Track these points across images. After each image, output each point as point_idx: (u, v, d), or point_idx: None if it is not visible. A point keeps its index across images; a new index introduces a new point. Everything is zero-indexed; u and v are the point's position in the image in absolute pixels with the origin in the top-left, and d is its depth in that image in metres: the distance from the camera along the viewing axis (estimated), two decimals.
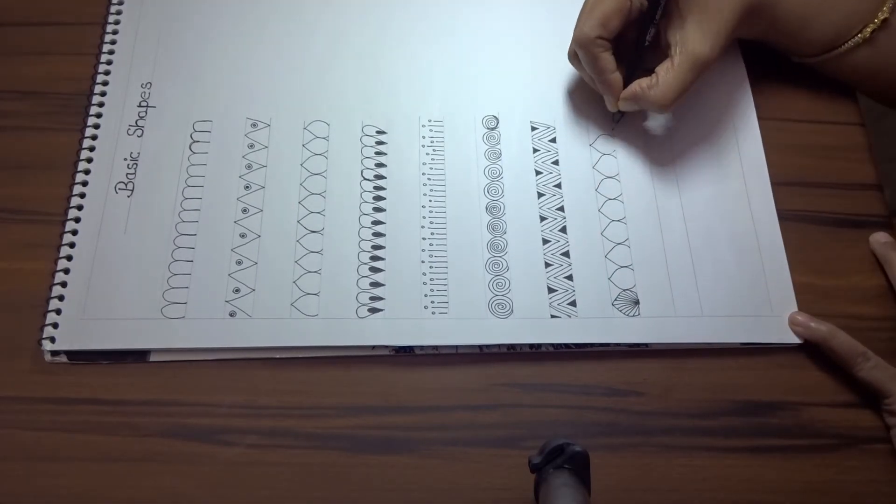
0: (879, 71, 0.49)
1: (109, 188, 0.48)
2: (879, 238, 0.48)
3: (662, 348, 0.45)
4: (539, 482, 0.36)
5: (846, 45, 0.47)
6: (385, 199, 0.48)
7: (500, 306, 0.45)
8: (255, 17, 0.54)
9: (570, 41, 0.47)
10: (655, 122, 0.51)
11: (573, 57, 0.48)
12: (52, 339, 0.43)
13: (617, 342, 0.45)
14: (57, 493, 0.41)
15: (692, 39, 0.45)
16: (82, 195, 0.47)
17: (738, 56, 0.53)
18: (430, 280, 0.46)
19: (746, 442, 0.43)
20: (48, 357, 0.44)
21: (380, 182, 0.49)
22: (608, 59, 0.46)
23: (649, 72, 0.46)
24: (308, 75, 0.52)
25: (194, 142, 0.50)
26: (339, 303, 0.45)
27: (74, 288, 0.45)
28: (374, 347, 0.44)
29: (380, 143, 0.50)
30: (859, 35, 0.47)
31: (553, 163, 0.50)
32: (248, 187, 0.48)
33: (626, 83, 0.47)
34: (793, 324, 0.46)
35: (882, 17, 0.46)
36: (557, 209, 0.49)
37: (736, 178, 0.50)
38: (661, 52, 0.47)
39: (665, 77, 0.45)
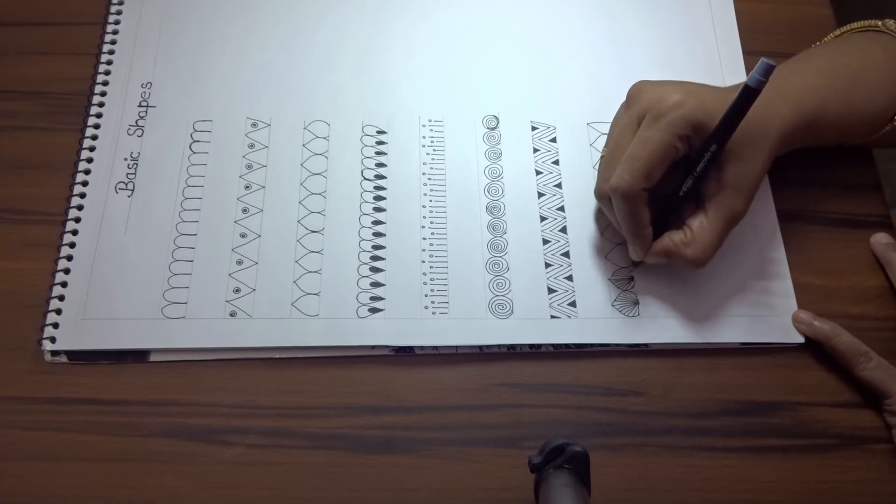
0: None
1: (110, 188, 0.48)
2: (880, 239, 0.48)
3: (662, 348, 0.45)
4: (539, 482, 0.36)
5: (883, 130, 0.45)
6: (385, 198, 0.48)
7: (500, 306, 0.45)
8: (255, 18, 0.54)
9: (599, 177, 0.44)
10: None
11: (604, 199, 0.44)
12: (53, 339, 0.43)
13: (617, 342, 0.45)
14: (57, 493, 0.41)
15: (728, 196, 0.42)
16: (82, 195, 0.47)
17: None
18: (431, 280, 0.46)
19: (746, 442, 0.43)
20: (48, 357, 0.44)
21: (380, 182, 0.49)
22: (646, 213, 0.42)
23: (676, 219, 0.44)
24: (308, 75, 0.52)
25: (194, 142, 0.50)
26: (339, 303, 0.45)
27: (74, 288, 0.45)
28: (374, 347, 0.44)
29: (380, 142, 0.50)
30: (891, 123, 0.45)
31: (553, 163, 0.50)
32: (248, 187, 0.48)
33: (654, 234, 0.44)
34: (797, 321, 0.46)
35: None
36: (558, 209, 0.49)
37: None
38: (687, 203, 0.44)
39: (700, 234, 0.42)
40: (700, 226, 0.42)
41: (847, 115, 0.45)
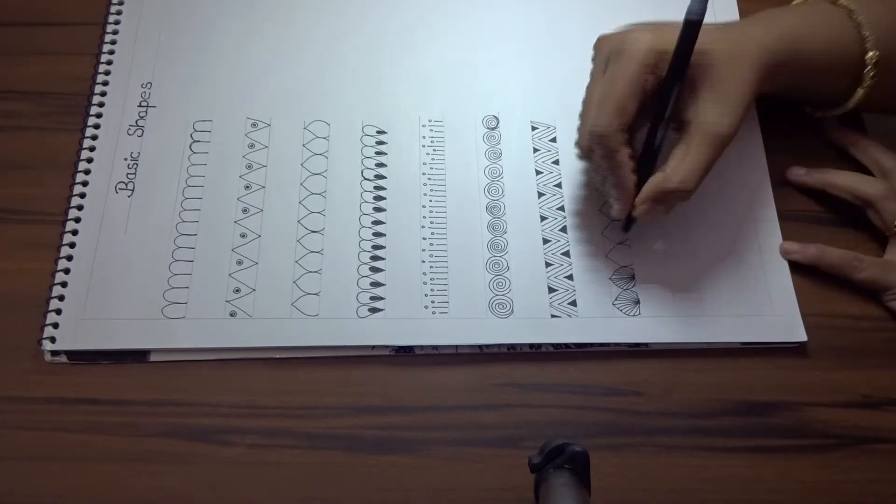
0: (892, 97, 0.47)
1: (110, 188, 0.48)
2: (833, 122, 0.50)
3: (662, 348, 0.45)
4: (539, 482, 0.36)
5: (863, 84, 0.45)
6: (385, 198, 0.48)
7: (500, 306, 0.45)
8: (255, 17, 0.54)
9: (578, 131, 0.43)
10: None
11: (586, 151, 0.43)
12: (53, 339, 0.43)
13: (617, 342, 0.45)
14: (57, 493, 0.41)
15: (708, 116, 0.40)
16: (82, 195, 0.47)
17: None
18: (431, 280, 0.46)
19: (746, 442, 0.43)
20: (48, 357, 0.44)
21: (380, 182, 0.49)
22: (627, 154, 0.41)
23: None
24: (308, 75, 0.52)
25: (194, 142, 0.50)
26: (339, 303, 0.45)
27: (75, 288, 0.45)
28: (374, 347, 0.44)
29: (380, 142, 0.50)
30: (868, 68, 0.45)
31: (553, 162, 0.50)
32: (248, 187, 0.48)
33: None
34: (786, 253, 0.47)
35: (873, 59, 0.44)
36: (558, 209, 0.49)
37: (736, 178, 0.50)
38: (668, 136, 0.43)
39: (683, 158, 0.41)
40: (682, 153, 0.41)
41: (826, 59, 0.44)
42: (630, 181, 0.42)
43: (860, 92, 0.46)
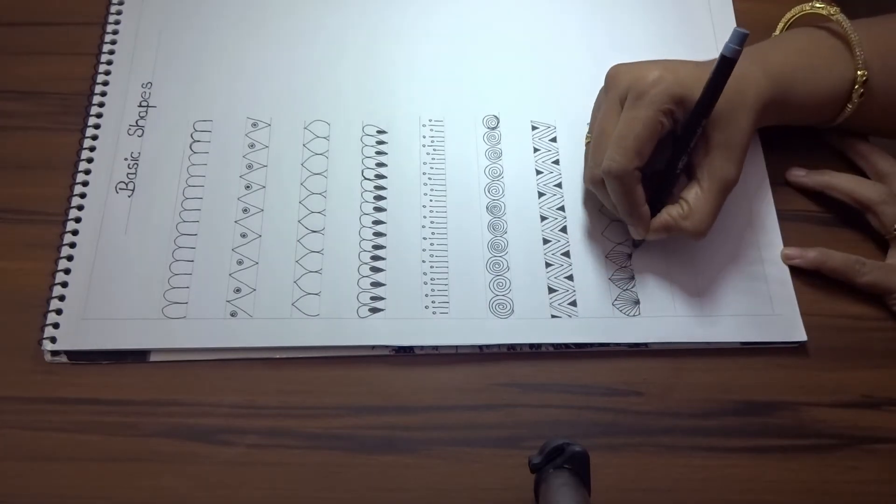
0: (883, 116, 0.48)
1: (110, 188, 0.48)
2: (836, 136, 0.50)
3: (662, 348, 0.45)
4: (539, 482, 0.36)
5: (850, 104, 0.46)
6: (386, 198, 0.48)
7: (500, 306, 0.45)
8: (255, 18, 0.54)
9: (590, 163, 0.44)
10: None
11: (597, 183, 0.44)
12: (53, 339, 0.43)
13: (617, 342, 0.45)
14: (57, 493, 0.41)
15: (719, 164, 0.43)
16: (83, 195, 0.47)
17: None
18: (431, 280, 0.46)
19: (746, 442, 0.43)
20: (48, 357, 0.44)
21: (380, 182, 0.49)
22: (640, 192, 0.43)
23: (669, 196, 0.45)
24: (308, 75, 0.52)
25: (195, 141, 0.50)
26: (339, 302, 0.45)
27: (75, 288, 0.45)
28: (374, 347, 0.44)
29: (380, 142, 0.50)
30: (857, 86, 0.46)
31: (554, 162, 0.50)
32: (248, 187, 0.48)
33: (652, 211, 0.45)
34: (787, 259, 0.47)
35: (862, 77, 0.45)
36: (558, 209, 0.49)
37: None
38: (680, 179, 0.45)
39: (697, 205, 0.43)
40: (696, 197, 0.43)
41: (816, 93, 0.46)
42: (645, 213, 0.44)
43: (848, 109, 0.47)
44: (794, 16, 0.50)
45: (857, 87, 0.46)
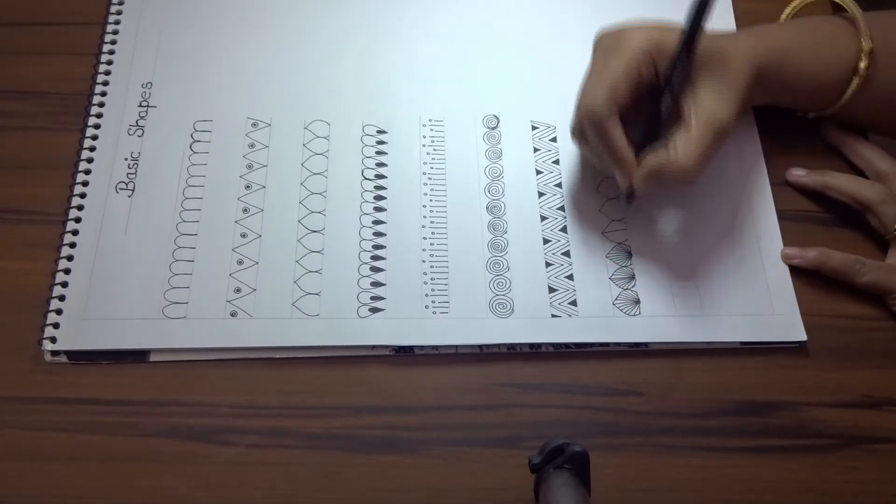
0: (884, 103, 0.48)
1: (110, 188, 0.48)
2: (831, 130, 0.50)
3: (662, 348, 0.45)
4: (539, 482, 0.36)
5: (849, 90, 0.46)
6: (386, 198, 0.48)
7: (500, 306, 0.45)
8: (255, 18, 0.54)
9: (573, 116, 0.44)
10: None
11: (578, 134, 0.45)
12: (53, 339, 0.43)
13: (617, 342, 0.45)
14: (57, 493, 0.41)
15: (709, 104, 0.42)
16: (83, 195, 0.47)
17: None
18: (431, 280, 0.46)
19: (746, 442, 0.43)
20: (48, 357, 0.44)
21: (380, 181, 0.49)
22: (620, 134, 0.42)
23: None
24: (308, 75, 0.52)
25: (195, 141, 0.50)
26: (339, 302, 0.45)
27: (75, 288, 0.45)
28: (374, 347, 0.44)
29: (380, 142, 0.50)
30: (856, 77, 0.46)
31: (554, 162, 0.50)
32: (248, 187, 0.48)
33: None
34: (787, 259, 0.47)
35: (867, 48, 0.45)
36: (558, 208, 0.49)
37: (736, 178, 0.50)
38: (669, 126, 0.44)
39: (686, 145, 0.41)
40: (684, 137, 0.42)
41: (814, 70, 0.46)
42: (627, 156, 0.43)
43: (853, 83, 0.46)
44: (798, 5, 0.50)
45: (862, 59, 0.45)
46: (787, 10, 0.51)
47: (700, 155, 0.41)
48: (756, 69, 0.43)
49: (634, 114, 0.43)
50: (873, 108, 0.48)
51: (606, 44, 0.44)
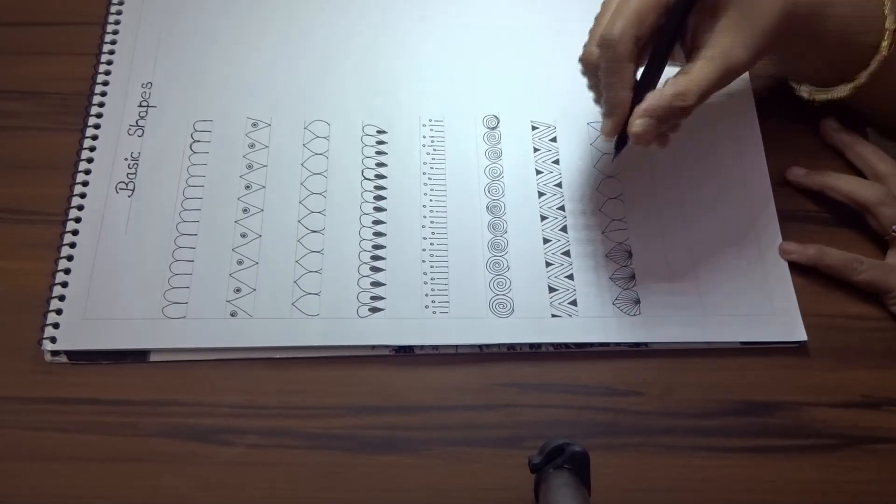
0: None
1: (110, 188, 0.48)
2: (831, 125, 0.50)
3: (662, 348, 0.45)
4: (539, 482, 0.36)
5: (868, 69, 0.44)
6: (386, 198, 0.48)
7: (500, 306, 0.45)
8: (255, 17, 0.54)
9: (584, 41, 0.42)
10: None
11: (589, 62, 0.42)
12: (53, 339, 0.43)
13: (617, 342, 0.45)
14: (57, 493, 0.41)
15: (721, 40, 0.39)
16: (83, 195, 0.47)
17: None
18: (431, 280, 0.46)
19: (746, 442, 0.43)
20: (48, 357, 0.44)
21: (380, 182, 0.49)
22: (630, 71, 0.39)
23: None
24: (308, 75, 0.52)
25: (195, 141, 0.50)
26: (339, 302, 0.45)
27: (75, 288, 0.45)
28: (374, 347, 0.44)
29: (380, 142, 0.50)
30: (878, 56, 0.43)
31: (554, 162, 0.50)
32: (248, 187, 0.48)
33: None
34: (785, 253, 0.47)
35: (892, 28, 0.43)
36: (558, 208, 0.49)
37: (736, 178, 0.50)
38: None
39: (686, 74, 0.39)
40: (688, 68, 0.39)
41: (849, 29, 0.43)
42: (627, 98, 0.40)
43: (868, 70, 0.44)
44: None
45: (885, 38, 0.42)
46: None
47: (700, 86, 0.39)
48: (788, 8, 0.39)
49: (647, 48, 0.40)
50: (887, 94, 0.46)
51: None
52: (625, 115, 0.41)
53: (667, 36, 0.40)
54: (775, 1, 0.39)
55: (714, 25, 0.39)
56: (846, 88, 0.46)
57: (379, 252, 0.47)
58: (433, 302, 0.45)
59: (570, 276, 0.46)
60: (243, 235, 0.47)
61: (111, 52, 0.52)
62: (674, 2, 0.39)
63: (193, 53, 0.53)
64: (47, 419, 0.43)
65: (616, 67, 0.39)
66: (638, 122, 0.40)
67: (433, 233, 0.47)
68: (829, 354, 0.45)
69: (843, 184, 0.48)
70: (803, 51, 0.45)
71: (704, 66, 0.39)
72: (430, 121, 0.51)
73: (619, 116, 0.41)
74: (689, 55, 0.41)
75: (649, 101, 0.40)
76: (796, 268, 0.47)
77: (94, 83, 0.51)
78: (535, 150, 0.50)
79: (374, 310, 0.45)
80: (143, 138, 0.49)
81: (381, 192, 0.49)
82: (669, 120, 0.40)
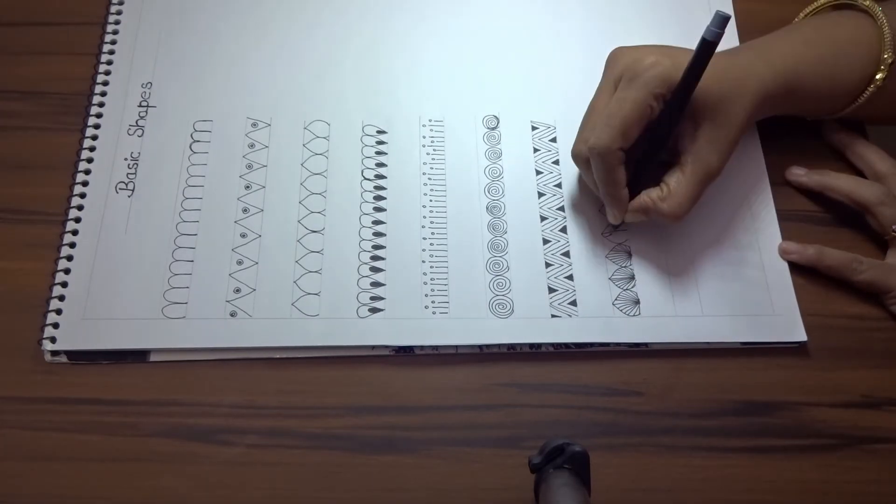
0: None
1: (110, 188, 0.48)
2: (831, 124, 0.50)
3: (662, 348, 0.45)
4: (539, 482, 0.36)
5: (860, 99, 0.46)
6: (385, 198, 0.48)
7: (500, 306, 0.45)
8: (255, 18, 0.54)
9: (578, 138, 0.45)
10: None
11: (581, 160, 0.45)
12: (53, 339, 0.43)
13: (617, 342, 0.45)
14: (57, 493, 0.41)
15: (704, 153, 0.43)
16: (83, 195, 0.47)
17: None
18: (431, 280, 0.46)
19: (746, 442, 0.43)
20: (48, 357, 0.44)
21: (380, 182, 0.49)
22: (622, 173, 0.43)
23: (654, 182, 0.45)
24: (308, 75, 0.52)
25: (195, 141, 0.50)
26: (339, 302, 0.45)
27: (75, 288, 0.45)
28: (374, 347, 0.44)
29: (380, 142, 0.50)
30: (871, 87, 0.46)
31: (553, 162, 0.50)
32: (248, 187, 0.48)
33: (631, 195, 0.45)
34: (785, 253, 0.47)
35: (889, 61, 0.45)
36: (558, 209, 0.49)
37: (736, 178, 0.50)
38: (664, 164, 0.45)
39: (677, 188, 0.43)
40: (676, 181, 0.44)
41: (826, 86, 0.46)
42: (622, 196, 0.44)
43: (868, 92, 0.46)
44: (819, 6, 0.49)
45: (880, 71, 0.45)
46: (807, 10, 0.50)
47: (690, 200, 0.43)
48: (763, 97, 0.44)
49: (635, 148, 0.43)
50: (882, 110, 0.48)
51: (621, 70, 0.43)
52: (624, 208, 0.45)
53: (656, 144, 0.44)
54: (745, 101, 0.43)
55: (694, 135, 0.43)
56: (836, 116, 0.49)
57: (379, 252, 0.47)
58: (433, 302, 0.45)
59: (570, 277, 0.46)
60: (243, 235, 0.47)
61: (111, 52, 0.52)
62: (662, 119, 0.43)
63: (193, 53, 0.53)
64: (47, 419, 0.43)
65: (608, 174, 0.43)
66: (633, 217, 0.45)
67: (433, 233, 0.47)
68: (829, 354, 0.45)
69: (843, 184, 0.48)
70: (787, 110, 0.48)
71: (691, 179, 0.43)
72: (430, 121, 0.51)
73: (620, 209, 0.45)
74: (672, 155, 0.45)
75: (645, 206, 0.44)
76: (796, 268, 0.47)
77: (94, 83, 0.51)
78: (535, 150, 0.50)
79: (374, 310, 0.45)
80: (143, 138, 0.50)
81: (381, 193, 0.49)
82: (662, 221, 0.45)
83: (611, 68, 0.44)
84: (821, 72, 0.45)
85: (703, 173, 0.43)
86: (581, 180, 0.49)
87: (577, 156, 0.45)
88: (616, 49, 0.45)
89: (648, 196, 0.44)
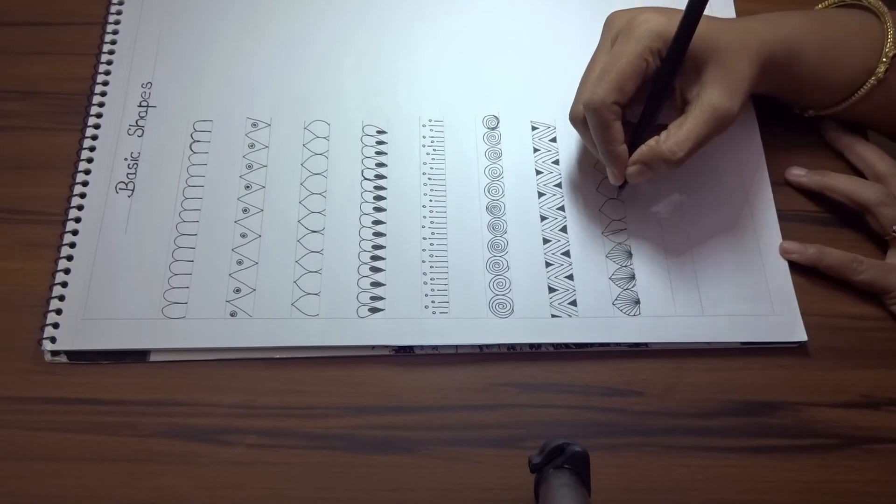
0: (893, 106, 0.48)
1: (110, 188, 0.48)
2: (831, 125, 0.50)
3: (662, 348, 0.45)
4: (539, 482, 0.36)
5: (860, 91, 0.46)
6: (385, 198, 0.48)
7: (500, 306, 0.45)
8: (255, 17, 0.54)
9: (574, 99, 0.45)
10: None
11: (578, 120, 0.45)
12: (53, 339, 0.43)
13: (617, 342, 0.45)
14: (57, 493, 0.41)
15: (711, 94, 0.42)
16: (83, 195, 0.47)
17: None
18: (431, 280, 0.46)
19: (746, 442, 0.43)
20: (48, 357, 0.44)
21: (380, 182, 0.49)
22: (619, 129, 0.42)
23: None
24: (308, 75, 0.52)
25: (195, 141, 0.50)
26: (339, 302, 0.45)
27: (75, 288, 0.45)
28: (374, 347, 0.44)
29: (380, 142, 0.50)
30: (872, 78, 0.46)
31: (553, 162, 0.50)
32: (248, 187, 0.48)
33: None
34: (786, 253, 0.47)
35: (891, 54, 0.45)
36: (558, 209, 0.49)
37: (736, 178, 0.50)
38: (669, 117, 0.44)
39: (678, 129, 0.42)
40: (678, 123, 0.42)
41: (828, 66, 0.46)
42: (621, 153, 0.43)
43: (867, 86, 0.46)
44: (827, 5, 0.50)
45: (882, 64, 0.45)
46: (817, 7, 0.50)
47: (691, 140, 0.42)
48: (764, 58, 0.43)
49: (635, 104, 0.43)
50: (881, 109, 0.48)
51: (618, 27, 0.43)
52: (624, 166, 0.44)
53: (655, 98, 0.43)
54: (750, 54, 0.42)
55: (700, 82, 0.42)
56: (835, 108, 0.48)
57: (379, 252, 0.47)
58: (433, 302, 0.45)
59: (570, 277, 0.46)
60: (243, 235, 0.47)
61: (111, 52, 0.52)
62: (660, 68, 0.42)
63: (193, 53, 0.53)
64: (47, 419, 0.43)
65: (604, 129, 0.42)
66: (633, 170, 0.44)
67: (433, 233, 0.47)
68: (829, 354, 0.45)
69: (843, 184, 0.48)
70: (784, 87, 0.47)
71: (695, 119, 0.42)
72: (430, 121, 0.51)
73: (619, 167, 0.44)
74: (681, 109, 0.44)
75: (644, 153, 0.43)
76: (796, 268, 0.47)
77: (94, 83, 0.51)
78: (535, 150, 0.50)
79: (374, 310, 0.45)
80: (143, 138, 0.50)
81: (381, 193, 0.49)
82: (664, 169, 0.43)
83: (608, 29, 0.45)
84: (823, 48, 0.45)
85: (710, 111, 0.41)
86: (581, 181, 0.49)
87: (574, 117, 0.45)
88: (613, 12, 0.45)
89: (647, 144, 0.43)
